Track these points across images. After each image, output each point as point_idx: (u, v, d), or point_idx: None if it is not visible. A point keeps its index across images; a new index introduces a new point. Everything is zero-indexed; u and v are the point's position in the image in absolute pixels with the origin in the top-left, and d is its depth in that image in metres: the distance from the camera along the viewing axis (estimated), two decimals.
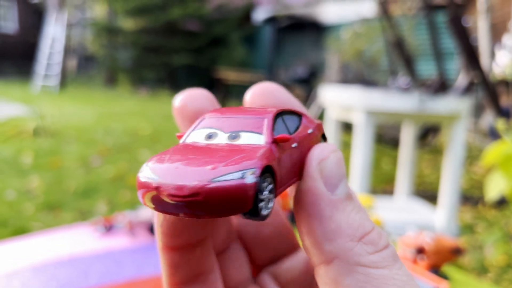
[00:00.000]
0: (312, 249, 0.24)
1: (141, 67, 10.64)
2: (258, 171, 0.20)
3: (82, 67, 13.14)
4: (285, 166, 0.23)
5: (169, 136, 5.46)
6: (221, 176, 0.20)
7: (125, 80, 11.02)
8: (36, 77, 9.32)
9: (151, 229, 1.03)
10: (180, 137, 0.26)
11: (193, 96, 0.29)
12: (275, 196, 0.22)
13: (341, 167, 0.25)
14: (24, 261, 0.89)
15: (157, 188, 0.20)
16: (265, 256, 0.32)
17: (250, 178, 0.20)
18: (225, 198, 0.19)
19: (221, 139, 0.23)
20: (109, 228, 1.05)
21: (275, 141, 0.23)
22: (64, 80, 9.71)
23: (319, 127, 0.28)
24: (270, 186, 0.21)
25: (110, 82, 11.32)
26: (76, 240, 1.02)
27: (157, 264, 0.87)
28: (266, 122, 0.23)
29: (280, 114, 0.25)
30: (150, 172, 0.21)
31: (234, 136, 0.23)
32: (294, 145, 0.24)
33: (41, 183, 3.58)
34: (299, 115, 0.27)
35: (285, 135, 0.23)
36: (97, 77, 12.44)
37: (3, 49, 12.18)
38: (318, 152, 0.25)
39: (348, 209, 0.24)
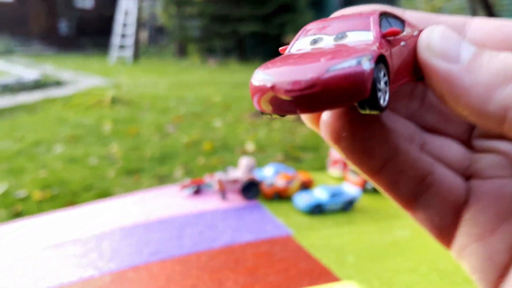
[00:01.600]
0: (476, 120, 0.22)
1: (210, 37, 10.73)
2: (373, 58, 0.20)
3: (153, 38, 13.52)
4: (396, 62, 0.22)
5: (239, 104, 5.42)
6: (336, 65, 0.19)
7: (194, 50, 11.19)
8: (112, 49, 9.73)
9: (242, 190, 0.92)
10: (283, 50, 0.25)
11: None
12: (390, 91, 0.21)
13: (449, 34, 0.23)
14: (114, 223, 0.83)
15: (272, 88, 0.20)
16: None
17: (367, 64, 0.19)
18: (343, 86, 0.19)
19: (328, 41, 0.23)
20: (197, 189, 0.97)
21: (385, 36, 0.22)
22: (137, 51, 10.05)
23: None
24: (385, 78, 0.21)
25: (180, 53, 11.56)
26: (165, 202, 0.94)
27: (251, 228, 0.74)
28: (373, 20, 0.23)
29: (384, 15, 0.24)
30: (263, 74, 0.21)
31: (341, 36, 0.22)
32: (402, 43, 0.23)
33: (120, 150, 3.71)
34: (401, 20, 0.25)
35: (394, 28, 0.22)
36: (168, 48, 12.75)
37: (81, 25, 12.83)
38: (424, 34, 0.23)
39: (484, 62, 0.22)
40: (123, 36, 9.59)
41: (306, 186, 0.97)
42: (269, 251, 0.69)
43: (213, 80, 7.79)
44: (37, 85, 5.91)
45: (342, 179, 1.06)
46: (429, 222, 0.27)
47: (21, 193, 2.83)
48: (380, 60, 0.20)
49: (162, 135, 4.14)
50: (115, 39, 9.74)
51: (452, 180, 0.27)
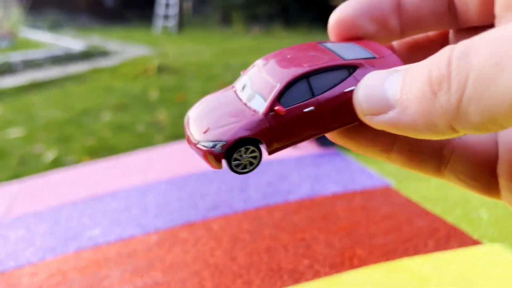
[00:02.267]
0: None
1: (253, 4, 10.48)
2: (227, 144, 0.24)
3: (196, 8, 13.42)
4: (293, 124, 0.24)
5: None
6: (204, 141, 0.25)
7: (238, 18, 10.98)
8: (156, 20, 9.73)
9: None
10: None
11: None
12: (268, 153, 0.25)
13: (372, 85, 0.23)
14: (159, 173, 0.68)
15: (185, 132, 0.28)
16: None
17: (218, 148, 0.24)
18: (203, 157, 0.25)
19: (246, 93, 0.26)
20: None
21: (271, 111, 0.24)
22: (181, 21, 10.01)
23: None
24: (251, 152, 0.25)
25: (224, 22, 11.39)
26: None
27: (335, 178, 0.57)
28: (275, 91, 0.25)
29: (306, 75, 0.24)
30: (192, 119, 0.28)
31: (251, 96, 0.26)
32: (308, 109, 0.24)
33: (167, 117, 3.63)
34: (350, 67, 0.25)
35: (280, 108, 0.24)
36: (211, 17, 12.60)
37: None
38: (353, 96, 0.24)
39: (410, 92, 0.21)
40: (167, 6, 9.57)
41: None
42: (366, 205, 0.51)
43: (258, 47, 7.57)
44: (85, 56, 5.96)
45: None
46: (467, 185, 0.25)
47: (70, 159, 2.82)
48: (242, 140, 0.24)
49: None
50: (160, 10, 9.76)
51: (474, 140, 0.25)
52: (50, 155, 2.96)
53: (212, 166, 0.25)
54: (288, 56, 0.26)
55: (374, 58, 0.25)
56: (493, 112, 0.17)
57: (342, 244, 0.44)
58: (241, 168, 0.25)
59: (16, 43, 7.60)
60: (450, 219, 0.48)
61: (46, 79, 4.90)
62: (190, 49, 7.21)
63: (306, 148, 0.72)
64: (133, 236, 0.49)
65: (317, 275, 0.40)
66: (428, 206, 0.51)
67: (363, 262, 0.42)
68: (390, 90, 0.22)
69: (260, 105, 0.25)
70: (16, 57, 5.46)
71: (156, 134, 3.26)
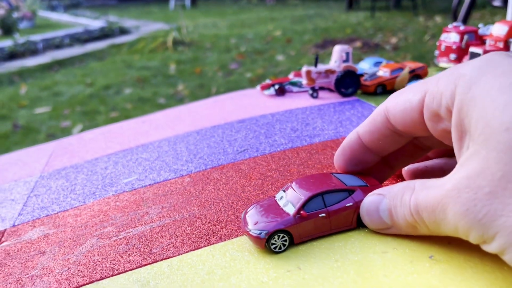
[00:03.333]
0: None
1: None
2: (268, 233, 0.37)
3: None
4: (312, 224, 0.38)
5: (300, 38, 5.09)
6: (253, 229, 0.37)
7: None
8: None
9: (337, 83, 0.74)
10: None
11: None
12: (292, 241, 0.37)
13: (369, 210, 0.38)
14: (187, 126, 0.70)
15: (242, 224, 0.40)
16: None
17: (263, 235, 0.37)
18: (253, 240, 0.37)
19: (283, 201, 0.39)
20: (280, 88, 0.80)
21: (298, 214, 0.37)
22: None
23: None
24: (282, 236, 0.37)
25: None
26: (244, 103, 0.79)
27: (359, 124, 0.57)
28: (301, 201, 0.38)
29: (321, 193, 0.38)
30: (247, 215, 0.40)
31: (285, 204, 0.39)
32: (321, 215, 0.38)
33: (186, 88, 3.66)
34: (350, 191, 0.39)
35: (304, 213, 0.37)
36: None
37: None
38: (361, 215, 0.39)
39: (395, 216, 0.36)
40: None
41: (418, 75, 0.77)
42: None
43: (272, 17, 7.43)
44: (103, 33, 5.99)
45: None
46: None
47: None
48: (279, 231, 0.37)
49: (226, 72, 4.02)
50: None
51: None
52: (76, 129, 3.05)
53: (258, 247, 0.38)
54: (311, 181, 0.40)
55: (366, 186, 0.39)
56: (449, 233, 0.30)
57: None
58: (277, 248, 0.37)
59: (36, 24, 7.67)
60: None
61: (67, 57, 4.97)
62: (204, 22, 7.15)
63: (328, 98, 0.73)
64: (167, 180, 0.52)
65: None
66: None
67: None
68: (385, 217, 0.36)
69: (291, 210, 0.38)
70: (37, 37, 5.54)
71: (176, 104, 3.30)
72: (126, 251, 0.40)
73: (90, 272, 0.38)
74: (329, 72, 0.75)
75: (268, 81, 0.83)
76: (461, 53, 0.85)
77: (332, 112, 0.68)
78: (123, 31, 6.21)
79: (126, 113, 3.24)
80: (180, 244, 0.41)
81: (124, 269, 0.38)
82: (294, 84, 0.81)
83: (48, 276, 0.39)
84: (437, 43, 0.89)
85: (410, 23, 5.32)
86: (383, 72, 0.76)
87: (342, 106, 0.70)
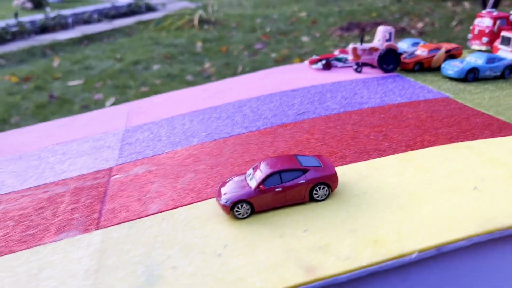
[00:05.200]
0: None
1: None
2: (232, 202, 0.49)
3: None
4: (266, 197, 0.48)
5: (325, 20, 5.11)
6: (221, 199, 0.50)
7: None
8: None
9: (380, 60, 0.83)
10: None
11: None
12: (253, 210, 0.49)
13: None
14: (243, 94, 0.81)
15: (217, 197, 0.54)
16: None
17: (228, 203, 0.49)
18: (222, 208, 0.50)
19: (249, 177, 0.51)
20: (327, 63, 0.90)
21: (258, 188, 0.49)
22: None
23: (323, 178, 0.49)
24: (245, 206, 0.49)
25: None
26: (294, 76, 0.89)
27: (400, 93, 0.68)
28: (261, 177, 0.48)
29: (278, 172, 0.48)
30: (221, 188, 0.54)
31: (251, 179, 0.50)
32: (278, 189, 0.48)
33: (212, 66, 3.75)
34: (304, 170, 0.48)
35: (262, 187, 0.48)
36: None
37: None
38: None
39: None
40: None
41: (453, 55, 0.85)
42: (429, 109, 0.62)
43: None
44: (130, 10, 6.09)
45: (488, 51, 0.92)
46: None
47: None
48: (240, 201, 0.49)
49: (252, 52, 4.09)
50: None
51: None
52: (109, 101, 3.19)
53: (226, 213, 0.49)
54: (275, 161, 0.52)
55: (319, 167, 0.50)
56: None
57: (413, 133, 0.55)
58: (240, 215, 0.49)
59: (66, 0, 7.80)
60: (503, 118, 0.57)
61: (96, 33, 5.10)
62: (230, 1, 7.17)
63: (370, 73, 0.82)
64: (241, 134, 0.63)
65: (395, 152, 0.52)
66: (483, 110, 0.60)
67: (432, 144, 0.52)
68: None
69: (253, 184, 0.51)
70: (67, 12, 5.67)
71: (204, 82, 3.40)
72: (221, 182, 0.52)
73: (196, 194, 0.50)
74: (372, 49, 0.84)
75: (315, 57, 0.92)
76: (493, 37, 0.93)
77: (376, 85, 0.77)
78: (150, 8, 6.31)
79: (156, 89, 3.36)
80: None
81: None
82: (339, 60, 0.90)
83: (163, 196, 0.51)
84: (471, 27, 0.97)
85: (438, 8, 5.28)
86: (421, 52, 0.85)
87: (384, 80, 0.80)
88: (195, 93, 0.88)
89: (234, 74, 3.52)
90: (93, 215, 0.51)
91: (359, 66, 0.82)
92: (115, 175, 0.60)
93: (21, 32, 4.97)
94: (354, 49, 0.81)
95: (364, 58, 0.83)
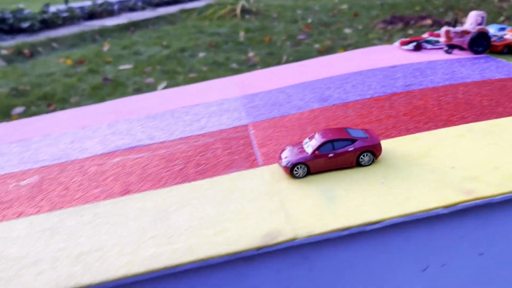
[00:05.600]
0: None
1: None
2: (292, 163, 0.55)
3: None
4: (320, 161, 0.56)
5: (368, 12, 5.11)
6: (283, 161, 0.57)
7: None
8: None
9: (471, 43, 0.90)
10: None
11: None
12: (309, 171, 0.56)
13: None
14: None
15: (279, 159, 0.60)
16: None
17: (289, 164, 0.55)
18: (284, 169, 0.56)
19: (306, 145, 0.58)
20: (418, 45, 0.97)
21: (314, 153, 0.56)
22: None
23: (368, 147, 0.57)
24: (302, 167, 0.55)
25: None
26: (380, 57, 0.97)
27: (493, 71, 0.74)
28: (317, 145, 0.57)
29: (331, 140, 0.57)
30: (281, 153, 0.59)
31: (307, 146, 0.58)
32: (330, 155, 0.56)
33: (257, 55, 3.84)
34: (353, 140, 0.57)
35: (317, 153, 0.56)
36: None
37: None
38: None
39: None
40: None
41: None
42: None
43: None
44: None
45: None
46: None
47: None
48: (299, 163, 0.55)
49: (295, 42, 4.16)
50: None
51: None
52: (160, 85, 3.33)
53: (286, 174, 0.55)
54: (328, 132, 0.58)
55: (366, 138, 0.56)
56: None
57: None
58: (298, 175, 0.55)
59: None
60: None
61: (141, 20, 5.26)
62: None
63: (460, 55, 0.89)
64: (357, 100, 0.72)
65: None
66: None
67: None
68: None
69: (309, 150, 0.56)
70: None
71: (249, 70, 3.50)
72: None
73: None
74: (464, 32, 0.91)
75: (405, 39, 1.00)
76: None
77: (470, 64, 0.85)
78: None
79: (203, 75, 3.48)
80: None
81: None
82: (429, 42, 0.97)
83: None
84: None
85: (484, 3, 5.19)
86: (510, 35, 0.91)
87: (476, 60, 0.87)
88: (293, 68, 0.97)
89: (279, 63, 3.60)
90: (251, 157, 0.60)
91: (451, 48, 0.89)
92: (252, 130, 0.69)
93: (71, 18, 5.18)
94: (447, 32, 0.88)
95: (455, 41, 0.90)
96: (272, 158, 0.62)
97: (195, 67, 3.74)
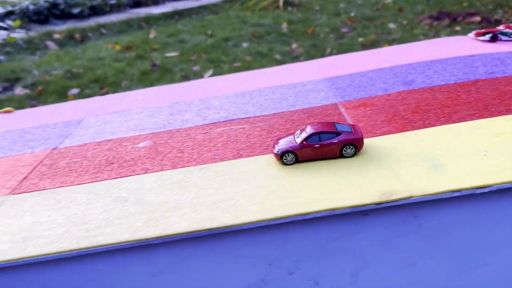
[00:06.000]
0: None
1: None
2: (281, 151, 0.62)
3: None
4: (307, 151, 0.62)
5: (413, 7, 5.04)
6: (274, 150, 0.64)
7: None
8: None
9: None
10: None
11: None
12: (297, 159, 0.63)
13: None
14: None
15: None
16: None
17: (279, 152, 0.63)
18: (275, 156, 0.64)
19: (296, 136, 0.64)
20: (494, 36, 1.00)
21: (302, 143, 0.62)
22: None
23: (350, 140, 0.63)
24: (291, 156, 0.62)
25: None
26: (469, 45, 1.01)
27: None
28: (305, 136, 0.63)
29: (318, 133, 0.63)
30: (275, 143, 0.66)
31: (297, 137, 0.64)
32: (316, 145, 0.62)
33: (300, 47, 3.88)
34: (338, 133, 0.63)
35: (305, 143, 0.62)
36: None
37: None
38: None
39: None
40: None
41: None
42: None
43: None
44: None
45: None
46: None
47: None
48: (288, 151, 0.62)
49: (338, 35, 4.16)
50: None
51: None
52: (207, 73, 3.42)
53: (277, 160, 0.62)
54: (316, 125, 0.64)
55: (350, 132, 0.62)
56: None
57: None
58: (287, 162, 0.61)
59: None
60: None
61: (185, 9, 5.37)
62: None
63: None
64: (441, 84, 0.77)
65: None
66: None
67: None
68: None
69: (299, 140, 0.62)
70: None
71: (292, 61, 3.54)
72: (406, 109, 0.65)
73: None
74: None
75: (480, 30, 1.03)
76: None
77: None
78: None
79: (247, 65, 3.55)
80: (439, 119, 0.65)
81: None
82: (504, 34, 1.00)
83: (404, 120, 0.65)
84: None
85: None
86: None
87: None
88: (368, 55, 1.02)
89: (322, 55, 3.62)
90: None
91: None
92: (343, 108, 0.75)
93: (118, 5, 5.35)
94: None
95: None
96: (369, 132, 0.68)
97: (239, 57, 3.82)
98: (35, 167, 0.71)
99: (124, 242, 0.50)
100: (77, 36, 4.49)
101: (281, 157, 0.61)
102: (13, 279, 0.50)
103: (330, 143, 0.61)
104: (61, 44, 4.38)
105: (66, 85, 3.27)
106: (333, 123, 0.65)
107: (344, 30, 4.30)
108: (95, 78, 3.40)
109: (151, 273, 0.51)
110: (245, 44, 4.07)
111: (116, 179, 0.64)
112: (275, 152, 0.62)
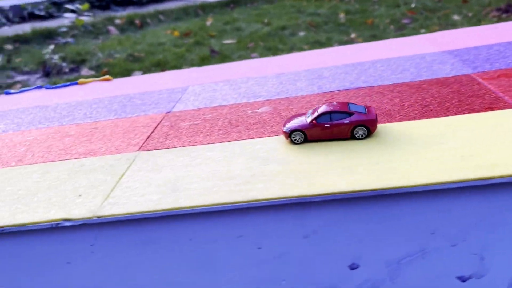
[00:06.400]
0: None
1: None
2: (290, 130, 0.60)
3: None
4: (317, 130, 0.59)
5: (477, 0, 4.78)
6: (284, 128, 0.61)
7: None
8: None
9: None
10: None
11: None
12: (306, 139, 0.60)
13: None
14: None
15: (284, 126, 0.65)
16: None
17: (288, 130, 0.61)
18: (283, 134, 0.62)
19: (308, 115, 0.62)
20: None
21: (312, 122, 0.60)
22: None
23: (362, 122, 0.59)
24: (299, 134, 0.60)
25: None
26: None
27: None
28: (315, 116, 0.60)
29: (329, 112, 0.60)
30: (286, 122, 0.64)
31: (309, 115, 0.61)
32: (327, 125, 0.59)
33: (359, 36, 3.78)
34: (350, 114, 0.59)
35: (314, 122, 0.60)
36: None
37: None
38: None
39: None
40: None
41: None
42: None
43: None
44: None
45: None
46: None
47: None
48: (296, 130, 0.60)
49: (398, 27, 4.02)
50: None
51: None
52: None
53: (286, 139, 0.60)
54: (329, 105, 0.61)
55: (364, 113, 0.59)
56: None
57: None
58: (295, 141, 0.59)
59: None
60: None
61: None
62: None
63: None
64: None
65: None
66: None
67: None
68: None
69: (309, 119, 0.59)
70: None
71: None
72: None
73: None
74: None
75: None
76: None
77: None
78: None
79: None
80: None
81: None
82: None
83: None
84: None
85: None
86: None
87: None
88: (435, 37, 0.96)
89: None
90: (500, 100, 0.61)
91: None
92: (480, 79, 0.69)
93: None
94: None
95: None
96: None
97: (296, 45, 3.76)
98: (155, 128, 0.71)
99: (282, 197, 0.47)
100: (137, 21, 4.59)
101: (290, 135, 0.59)
102: (158, 229, 0.49)
103: (341, 123, 0.58)
104: (121, 29, 4.49)
105: (129, 67, 3.34)
106: (348, 103, 0.62)
107: (405, 21, 4.15)
108: (156, 62, 3.46)
109: (303, 234, 0.49)
110: (302, 33, 4.01)
111: (247, 140, 0.62)
112: (283, 130, 0.60)
